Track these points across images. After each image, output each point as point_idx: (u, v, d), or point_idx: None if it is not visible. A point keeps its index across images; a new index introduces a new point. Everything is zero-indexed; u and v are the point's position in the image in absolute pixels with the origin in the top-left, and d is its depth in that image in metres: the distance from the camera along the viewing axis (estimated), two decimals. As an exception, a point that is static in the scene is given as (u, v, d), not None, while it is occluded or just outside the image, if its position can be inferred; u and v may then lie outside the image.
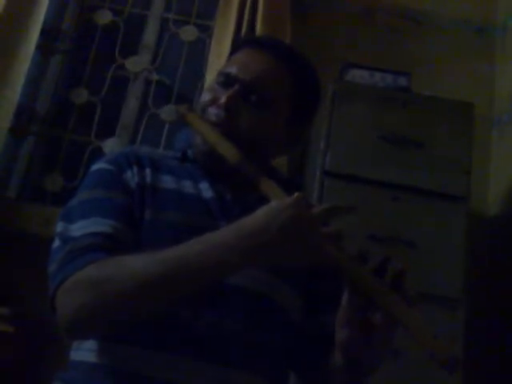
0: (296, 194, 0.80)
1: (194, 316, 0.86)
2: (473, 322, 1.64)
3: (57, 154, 2.22)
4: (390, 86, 1.91)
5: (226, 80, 0.98)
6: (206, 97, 1.00)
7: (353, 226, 1.44)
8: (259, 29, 2.08)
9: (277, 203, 0.79)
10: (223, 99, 0.95)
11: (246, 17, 2.08)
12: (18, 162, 2.22)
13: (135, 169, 0.96)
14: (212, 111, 0.96)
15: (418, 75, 1.99)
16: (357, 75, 1.95)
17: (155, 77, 2.33)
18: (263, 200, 0.86)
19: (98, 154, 2.20)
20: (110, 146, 2.22)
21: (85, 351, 0.88)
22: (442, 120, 1.78)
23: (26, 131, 2.21)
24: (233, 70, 0.98)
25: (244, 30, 2.05)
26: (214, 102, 0.97)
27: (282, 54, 1.01)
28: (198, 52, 2.35)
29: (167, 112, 2.28)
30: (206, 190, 0.97)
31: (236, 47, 1.06)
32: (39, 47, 2.20)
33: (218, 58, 2.07)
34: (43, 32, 2.19)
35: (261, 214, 0.79)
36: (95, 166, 0.99)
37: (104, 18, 2.36)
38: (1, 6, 2.04)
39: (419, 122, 1.77)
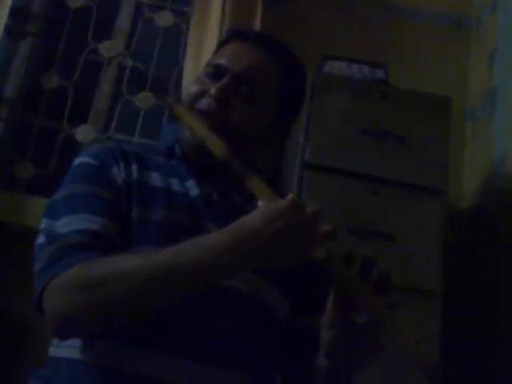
0: (290, 196, 0.79)
1: (183, 315, 0.84)
2: (450, 313, 1.67)
3: (27, 141, 2.16)
4: (368, 78, 1.92)
5: (216, 71, 0.97)
6: (193, 88, 0.97)
7: (332, 219, 1.44)
8: (228, 16, 2.05)
9: (273, 205, 0.79)
10: (214, 90, 0.93)
11: (227, 3, 2.05)
12: (-14, 149, 2.15)
13: (121, 164, 0.93)
14: (203, 101, 0.95)
15: (394, 67, 1.99)
16: (335, 66, 1.95)
17: (129, 62, 2.28)
18: (250, 199, 0.86)
19: (70, 140, 2.16)
20: (83, 132, 2.17)
21: (67, 348, 0.86)
22: (421, 114, 1.80)
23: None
24: (223, 61, 0.97)
25: (226, 18, 2.02)
26: (203, 93, 0.95)
27: (271, 47, 1.00)
28: (174, 38, 2.30)
29: (142, 99, 2.23)
30: (192, 189, 0.95)
31: (224, 40, 1.04)
32: (7, 29, 2.12)
33: (198, 45, 2.04)
34: (12, 14, 2.11)
35: (257, 215, 0.78)
36: (78, 160, 0.96)
37: (76, 0, 2.29)
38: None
39: (398, 116, 1.79)
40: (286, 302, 0.96)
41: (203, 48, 2.03)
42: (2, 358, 1.70)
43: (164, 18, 2.33)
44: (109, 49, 2.28)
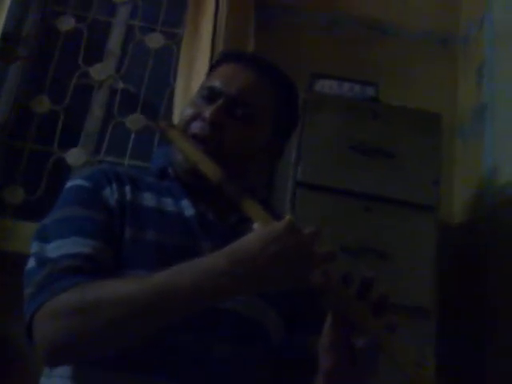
0: (287, 217, 0.78)
1: (177, 339, 0.83)
2: (444, 330, 1.66)
3: (17, 165, 2.14)
4: (358, 96, 1.93)
5: (210, 94, 0.96)
6: (188, 111, 0.97)
7: (325, 236, 1.44)
8: (222, 38, 2.06)
9: (269, 228, 0.78)
10: (208, 113, 0.93)
11: (218, 24, 2.06)
12: (-24, 173, 2.13)
13: (114, 186, 0.93)
14: (196, 125, 0.94)
15: (383, 85, 2.01)
16: (326, 85, 1.96)
17: (120, 85, 2.28)
18: (246, 220, 0.85)
19: (60, 164, 2.14)
20: (73, 156, 2.16)
21: (57, 377, 0.85)
22: (411, 130, 1.80)
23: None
24: (216, 83, 0.97)
25: (217, 39, 2.03)
26: (197, 116, 0.95)
27: (264, 68, 1.00)
28: (165, 60, 2.31)
29: (133, 121, 2.23)
30: (187, 208, 0.94)
31: (217, 61, 1.04)
32: (-2, 53, 2.13)
33: (189, 67, 2.04)
34: (3, 38, 2.11)
35: (254, 238, 0.77)
36: (71, 183, 0.95)
37: (67, 24, 2.30)
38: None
39: (389, 133, 1.79)
40: (282, 322, 0.94)
41: (194, 69, 2.04)
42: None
43: (155, 40, 2.34)
44: (100, 71, 2.28)
